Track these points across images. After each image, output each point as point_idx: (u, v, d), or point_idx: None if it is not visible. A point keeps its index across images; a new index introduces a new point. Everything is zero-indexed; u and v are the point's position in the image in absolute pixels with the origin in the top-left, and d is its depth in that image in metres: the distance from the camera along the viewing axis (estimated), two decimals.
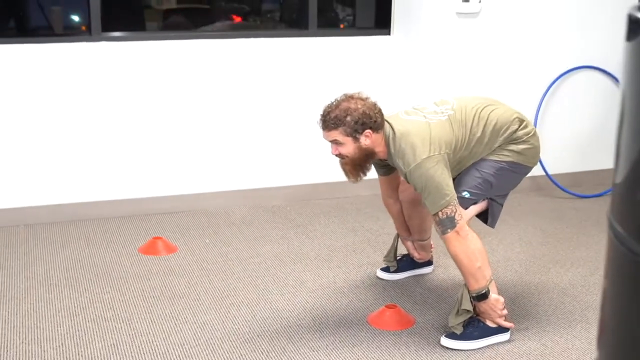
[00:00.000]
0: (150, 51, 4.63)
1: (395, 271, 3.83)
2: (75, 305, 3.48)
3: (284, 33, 5.25)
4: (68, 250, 4.15)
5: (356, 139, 3.08)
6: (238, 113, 4.86)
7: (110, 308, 3.45)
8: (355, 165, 3.18)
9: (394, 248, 3.82)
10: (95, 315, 3.38)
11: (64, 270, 3.88)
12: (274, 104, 4.92)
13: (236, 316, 3.39)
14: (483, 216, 3.37)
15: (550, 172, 5.29)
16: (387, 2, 5.21)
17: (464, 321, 3.17)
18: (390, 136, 3.12)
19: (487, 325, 3.18)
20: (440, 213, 3.04)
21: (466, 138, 3.16)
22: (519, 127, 3.22)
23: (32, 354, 3.04)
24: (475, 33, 5.04)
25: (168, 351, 3.07)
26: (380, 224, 4.58)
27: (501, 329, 3.20)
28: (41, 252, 4.12)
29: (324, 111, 3.13)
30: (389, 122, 3.16)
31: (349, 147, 3.11)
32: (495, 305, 3.14)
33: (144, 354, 3.05)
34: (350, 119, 3.04)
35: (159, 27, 5.67)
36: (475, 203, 3.24)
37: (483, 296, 3.11)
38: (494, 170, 3.21)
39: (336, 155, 3.18)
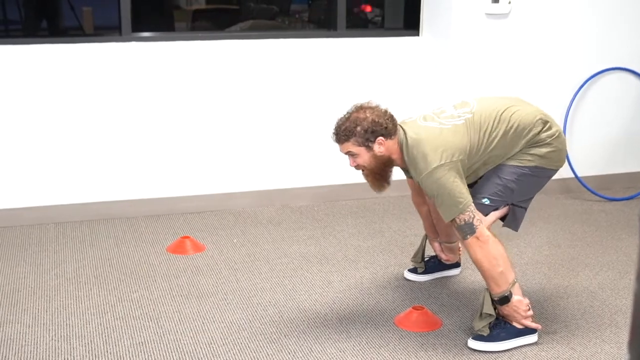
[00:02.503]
0: (179, 51, 4.66)
1: (423, 272, 3.82)
2: (104, 303, 3.51)
3: (312, 34, 5.26)
4: (97, 248, 4.19)
5: (369, 148, 3.12)
6: (267, 113, 4.88)
7: (139, 306, 3.48)
8: (375, 175, 3.21)
9: (422, 249, 3.81)
10: (124, 313, 3.41)
11: (93, 269, 3.91)
12: (302, 104, 4.92)
13: (263, 316, 3.40)
14: (507, 220, 3.33)
15: (579, 174, 5.25)
16: (416, 3, 5.20)
17: (490, 323, 3.15)
18: (404, 143, 3.13)
19: (514, 327, 3.16)
20: (457, 220, 3.03)
21: (483, 142, 3.12)
22: (542, 129, 3.16)
23: (61, 350, 3.07)
24: (504, 34, 5.01)
25: (195, 350, 3.09)
26: (408, 225, 4.57)
27: (528, 330, 3.18)
28: (71, 250, 4.16)
29: (336, 125, 3.18)
30: (403, 129, 3.16)
31: (364, 157, 3.14)
32: (519, 307, 3.12)
33: (171, 352, 3.07)
34: (360, 129, 3.08)
35: (188, 27, 5.71)
36: (496, 209, 3.20)
37: (505, 299, 3.09)
38: (516, 176, 3.16)
39: (355, 167, 3.23)
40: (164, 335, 3.21)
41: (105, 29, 5.37)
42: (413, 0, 5.25)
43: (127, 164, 4.67)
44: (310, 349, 3.11)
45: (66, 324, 3.30)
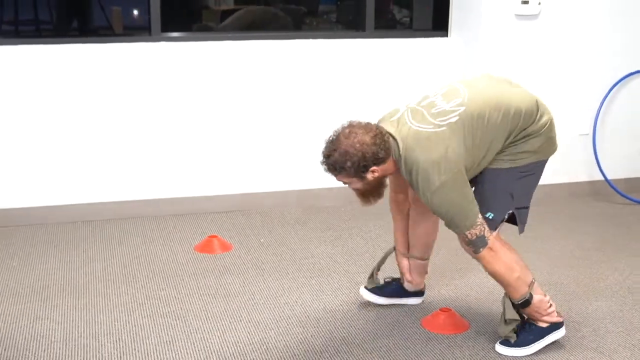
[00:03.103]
0: (208, 51, 4.68)
1: (379, 293, 3.51)
2: (132, 301, 3.53)
3: (341, 34, 5.25)
4: (125, 246, 4.22)
5: (363, 178, 2.89)
6: (295, 113, 4.88)
7: (166, 305, 3.50)
8: (366, 194, 3.03)
9: (381, 263, 3.54)
10: (152, 311, 3.43)
11: (122, 267, 3.94)
12: (330, 104, 4.92)
13: (290, 316, 3.41)
14: (512, 222, 3.13)
15: (609, 177, 5.19)
16: (445, 4, 5.18)
17: (515, 327, 3.12)
18: (400, 160, 2.88)
19: (539, 327, 3.12)
20: (468, 235, 2.89)
21: (483, 135, 2.89)
22: (537, 116, 2.96)
23: (89, 347, 3.09)
24: (534, 35, 4.97)
25: (222, 349, 3.10)
26: None
27: (554, 326, 3.13)
28: (100, 248, 4.20)
29: (324, 152, 2.90)
30: (394, 138, 2.88)
31: (357, 185, 2.95)
32: (540, 306, 3.06)
33: (198, 351, 3.08)
34: (351, 165, 2.82)
35: (217, 27, 5.72)
36: (502, 220, 3.02)
37: (526, 303, 3.03)
38: (513, 180, 2.99)
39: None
40: (191, 333, 3.22)
41: (133, 29, 5.40)
42: (442, 1, 5.23)
43: (157, 163, 4.70)
44: (337, 349, 3.11)
45: (94, 321, 3.32)
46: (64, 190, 4.58)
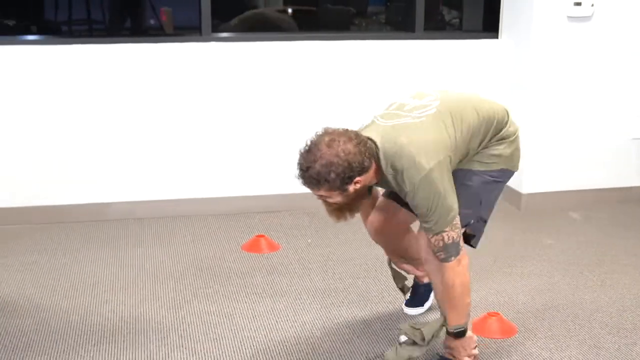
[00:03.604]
0: (258, 52, 4.70)
1: (412, 305, 3.42)
2: (180, 298, 3.57)
3: (390, 35, 5.24)
4: (174, 245, 4.27)
5: (345, 190, 2.61)
6: (342, 113, 4.87)
7: (213, 303, 3.52)
8: (343, 209, 2.76)
9: (396, 274, 3.37)
10: (199, 309, 3.46)
11: (170, 264, 3.98)
12: (380, 105, 4.90)
13: (337, 316, 3.41)
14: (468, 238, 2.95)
15: None
16: (496, 5, 5.14)
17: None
18: (382, 162, 2.65)
19: None
20: (445, 236, 2.65)
21: (462, 130, 2.73)
22: (508, 120, 2.87)
23: (138, 343, 3.13)
24: (586, 38, 4.89)
25: (269, 347, 3.11)
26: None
27: None
28: (149, 245, 4.25)
29: (301, 164, 2.60)
30: (373, 142, 2.66)
31: (336, 198, 2.66)
32: (469, 343, 2.89)
33: (245, 349, 3.10)
34: (335, 176, 2.54)
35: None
36: (464, 229, 2.84)
37: (462, 333, 2.84)
38: (483, 184, 2.85)
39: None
40: (238, 332, 3.24)
41: (184, 29, 5.45)
42: (493, 2, 5.19)
43: (205, 162, 4.74)
44: (383, 350, 3.10)
45: (143, 318, 3.36)
46: (117, 188, 4.65)
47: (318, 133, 2.64)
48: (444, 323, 2.86)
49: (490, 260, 4.00)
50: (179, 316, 3.38)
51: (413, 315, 3.42)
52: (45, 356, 3.03)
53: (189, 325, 3.29)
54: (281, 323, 3.33)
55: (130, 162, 4.64)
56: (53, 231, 4.44)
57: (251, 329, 3.27)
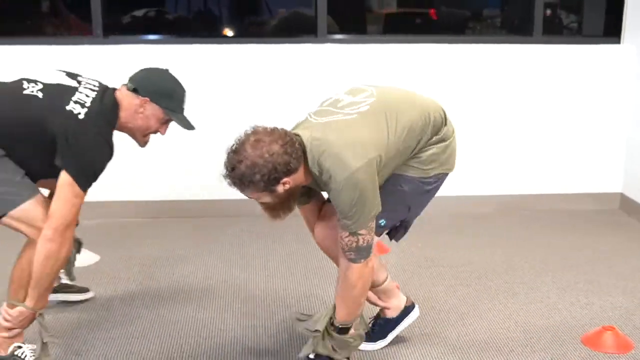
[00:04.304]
0: (371, 54, 4.72)
1: (370, 339, 3.12)
2: (290, 297, 3.61)
3: (507, 39, 5.15)
4: (279, 244, 4.36)
5: (273, 191, 2.55)
6: (459, 116, 4.83)
7: (323, 303, 3.54)
8: (275, 208, 2.68)
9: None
10: (309, 308, 3.49)
11: (278, 263, 4.06)
12: (498, 108, 4.85)
13: (445, 320, 3.37)
14: (391, 233, 2.93)
15: None
16: (619, 9, 4.97)
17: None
18: (310, 159, 2.57)
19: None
20: (361, 239, 2.59)
21: (396, 129, 2.64)
22: (446, 120, 2.80)
23: (247, 339, 3.19)
24: None
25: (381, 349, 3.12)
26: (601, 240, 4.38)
27: None
28: (256, 244, 4.36)
29: (227, 164, 2.52)
30: (302, 140, 2.58)
31: (266, 198, 2.60)
32: (347, 342, 2.81)
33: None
34: (260, 178, 2.47)
35: (380, 30, 5.76)
36: (390, 228, 2.84)
37: (346, 330, 2.80)
38: (416, 191, 2.79)
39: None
40: None
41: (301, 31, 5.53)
42: (615, 6, 5.02)
43: None
44: (492, 358, 3.06)
45: (252, 314, 3.42)
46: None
47: (246, 132, 2.56)
48: (333, 315, 2.80)
49: (603, 273, 3.87)
50: (287, 315, 3.42)
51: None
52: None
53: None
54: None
55: None
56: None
57: None
